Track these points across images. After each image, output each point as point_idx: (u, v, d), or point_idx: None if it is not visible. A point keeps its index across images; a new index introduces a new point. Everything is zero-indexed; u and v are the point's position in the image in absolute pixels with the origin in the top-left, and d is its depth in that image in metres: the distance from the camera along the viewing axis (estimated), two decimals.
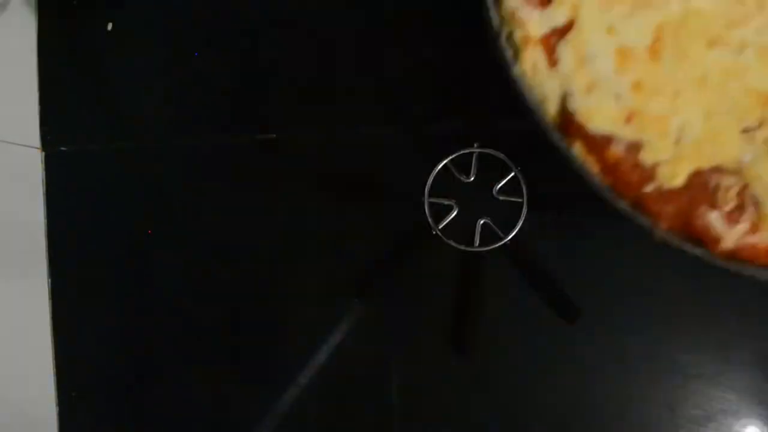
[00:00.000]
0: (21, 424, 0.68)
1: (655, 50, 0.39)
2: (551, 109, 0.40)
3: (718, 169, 0.39)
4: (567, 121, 0.39)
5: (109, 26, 0.73)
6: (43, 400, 0.71)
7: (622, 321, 0.64)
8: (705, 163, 0.39)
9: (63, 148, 0.73)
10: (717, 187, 0.39)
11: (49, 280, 0.72)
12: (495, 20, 0.40)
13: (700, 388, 0.66)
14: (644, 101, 0.39)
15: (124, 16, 0.74)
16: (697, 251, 0.40)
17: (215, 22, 0.73)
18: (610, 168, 0.39)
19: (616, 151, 0.39)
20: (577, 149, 0.40)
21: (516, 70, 0.40)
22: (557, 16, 0.40)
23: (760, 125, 0.39)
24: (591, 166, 0.40)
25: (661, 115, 0.39)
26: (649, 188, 0.39)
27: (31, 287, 0.71)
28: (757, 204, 0.38)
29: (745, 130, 0.39)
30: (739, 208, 0.39)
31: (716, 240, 0.39)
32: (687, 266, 0.64)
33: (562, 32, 0.40)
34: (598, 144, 0.39)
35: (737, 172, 0.39)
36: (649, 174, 0.39)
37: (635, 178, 0.39)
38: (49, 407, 0.71)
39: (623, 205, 0.40)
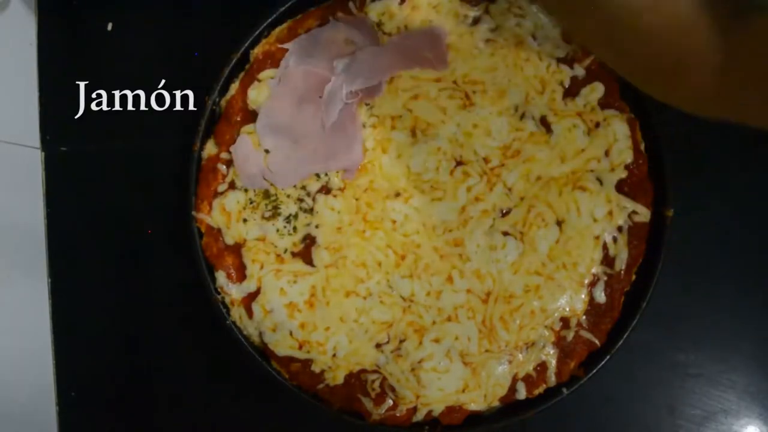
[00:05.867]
0: (21, 424, 0.68)
1: (311, 303, 0.62)
2: (255, 341, 0.64)
3: (364, 371, 0.62)
4: (265, 348, 0.63)
5: (109, 26, 0.74)
6: (43, 400, 0.71)
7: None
8: (354, 368, 0.62)
9: (63, 148, 0.73)
10: (365, 381, 0.61)
11: (49, 280, 0.72)
12: (215, 293, 0.64)
13: (700, 388, 0.66)
14: (308, 335, 0.62)
15: (124, 16, 0.74)
16: (359, 422, 0.62)
17: (215, 22, 0.73)
18: (294, 375, 0.63)
19: (296, 365, 0.62)
20: (274, 365, 0.63)
21: (230, 319, 0.64)
22: (250, 286, 0.63)
23: (388, 341, 0.62)
24: (283, 374, 0.63)
25: (320, 342, 0.62)
26: (320, 386, 0.62)
27: (31, 287, 0.72)
28: (393, 390, 0.61)
29: (378, 345, 0.62)
30: (383, 394, 0.61)
31: (369, 414, 0.61)
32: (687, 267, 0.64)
33: (253, 296, 0.63)
34: (285, 362, 0.63)
35: (377, 371, 0.62)
36: (319, 377, 0.62)
37: (311, 381, 0.62)
38: (49, 407, 0.71)
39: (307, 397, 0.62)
